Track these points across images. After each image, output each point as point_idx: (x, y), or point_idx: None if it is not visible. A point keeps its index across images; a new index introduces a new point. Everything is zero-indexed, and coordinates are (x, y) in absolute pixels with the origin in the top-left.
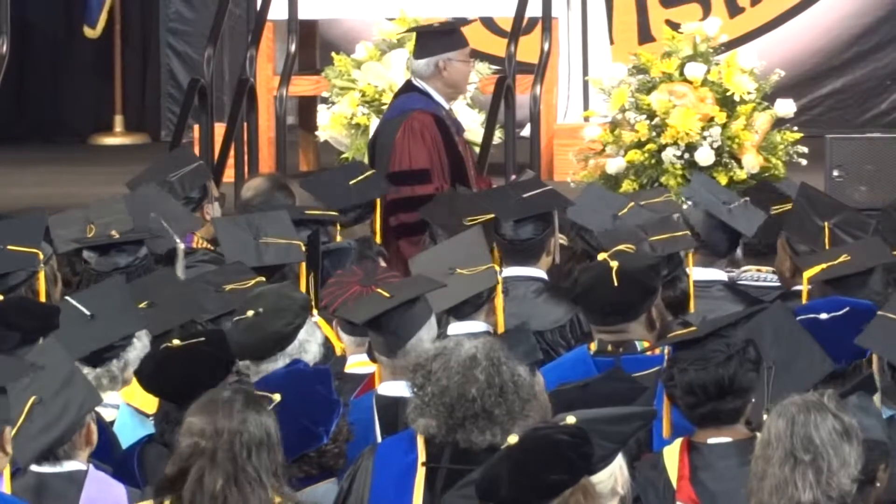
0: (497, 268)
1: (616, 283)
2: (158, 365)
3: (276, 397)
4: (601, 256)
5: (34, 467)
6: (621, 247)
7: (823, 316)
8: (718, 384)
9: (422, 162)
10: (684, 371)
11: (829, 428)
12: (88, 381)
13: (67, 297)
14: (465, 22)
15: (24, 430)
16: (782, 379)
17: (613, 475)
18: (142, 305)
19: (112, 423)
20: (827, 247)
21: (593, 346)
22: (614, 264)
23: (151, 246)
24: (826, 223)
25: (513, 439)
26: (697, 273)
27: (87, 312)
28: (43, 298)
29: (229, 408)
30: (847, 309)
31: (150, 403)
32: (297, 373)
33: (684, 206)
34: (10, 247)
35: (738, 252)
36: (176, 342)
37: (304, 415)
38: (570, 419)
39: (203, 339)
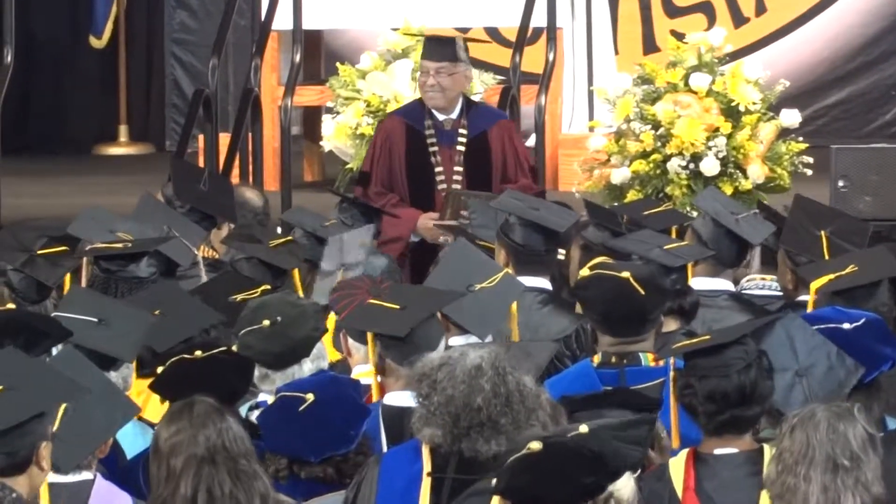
0: (511, 272)
1: (643, 293)
2: (184, 375)
3: (310, 397)
4: (584, 272)
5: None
6: (599, 259)
7: (846, 326)
8: (740, 391)
9: (365, 165)
10: (705, 379)
11: (860, 436)
12: (121, 391)
13: (57, 312)
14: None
15: (60, 435)
16: (816, 387)
17: (627, 485)
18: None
19: None
20: (826, 255)
21: (596, 359)
22: (626, 274)
23: (173, 255)
24: (823, 232)
25: (536, 445)
26: (704, 283)
27: (94, 319)
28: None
29: (208, 414)
30: (864, 320)
31: (154, 412)
32: (330, 377)
33: (694, 214)
34: (40, 252)
35: (756, 262)
36: (198, 353)
37: (339, 416)
38: (584, 428)
39: (224, 348)
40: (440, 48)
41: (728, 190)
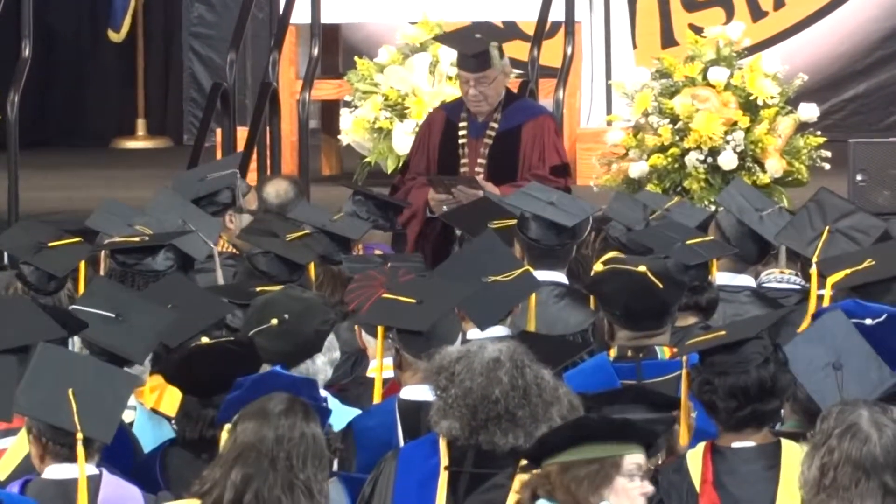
0: (531, 270)
1: (661, 286)
2: (191, 361)
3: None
4: (597, 268)
5: (49, 473)
6: (611, 254)
7: (868, 321)
8: (760, 385)
9: (408, 154)
10: (724, 375)
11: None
12: (113, 367)
13: (76, 306)
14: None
15: (86, 420)
16: (850, 383)
17: None
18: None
19: (130, 424)
20: (817, 253)
21: (613, 353)
22: (642, 268)
23: (189, 249)
24: (827, 226)
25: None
26: (727, 278)
27: (111, 314)
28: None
29: (288, 417)
30: (885, 316)
31: (169, 406)
32: (267, 375)
33: (712, 208)
34: (51, 244)
35: (782, 257)
36: (205, 340)
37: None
38: None
39: (232, 338)
40: (475, 60)
41: None
